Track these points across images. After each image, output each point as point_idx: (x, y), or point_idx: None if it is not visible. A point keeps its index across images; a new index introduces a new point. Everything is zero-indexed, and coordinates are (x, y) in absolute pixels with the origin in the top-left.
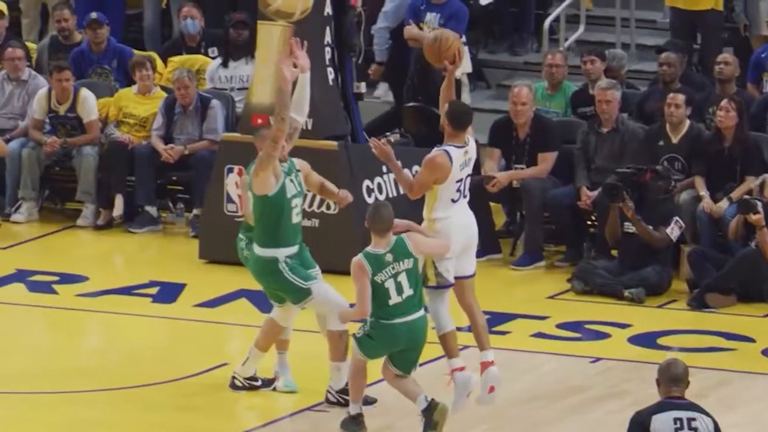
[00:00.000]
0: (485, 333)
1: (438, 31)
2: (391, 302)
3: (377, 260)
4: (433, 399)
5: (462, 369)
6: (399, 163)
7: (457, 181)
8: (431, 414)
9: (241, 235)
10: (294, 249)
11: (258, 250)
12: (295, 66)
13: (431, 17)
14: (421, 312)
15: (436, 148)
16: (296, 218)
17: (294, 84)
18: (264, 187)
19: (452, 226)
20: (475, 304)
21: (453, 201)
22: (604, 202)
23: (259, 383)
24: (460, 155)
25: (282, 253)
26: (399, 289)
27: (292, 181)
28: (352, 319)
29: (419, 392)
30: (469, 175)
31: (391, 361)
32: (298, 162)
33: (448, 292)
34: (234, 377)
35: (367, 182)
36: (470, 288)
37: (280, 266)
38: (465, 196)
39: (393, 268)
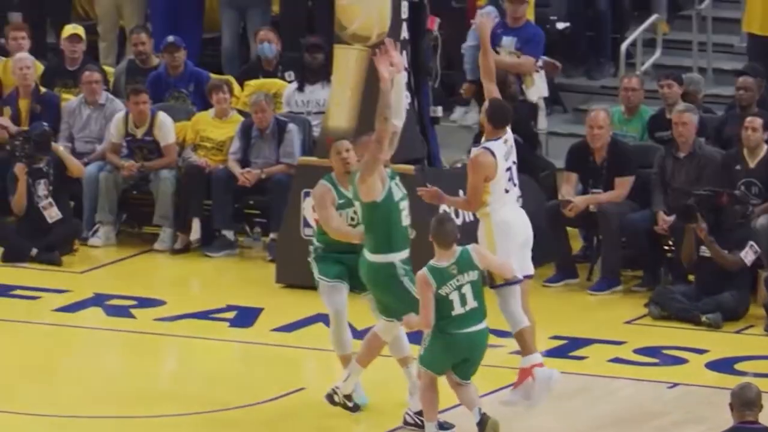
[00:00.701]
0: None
1: None
2: (454, 313)
3: (441, 273)
4: (485, 413)
5: (541, 365)
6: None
7: (506, 171)
8: (483, 429)
9: (314, 238)
10: (406, 253)
11: (371, 256)
12: (390, 65)
13: (508, 41)
14: (483, 325)
15: (474, 148)
16: (405, 221)
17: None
18: (371, 192)
19: (511, 215)
20: (527, 308)
21: (506, 191)
22: (681, 226)
23: (351, 404)
24: (500, 146)
25: (396, 257)
26: (463, 301)
27: (397, 184)
28: (416, 328)
29: (476, 404)
30: (514, 162)
31: (452, 368)
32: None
33: (518, 288)
34: (334, 391)
35: (443, 206)
36: (526, 290)
37: (398, 271)
38: (515, 185)
39: (457, 281)
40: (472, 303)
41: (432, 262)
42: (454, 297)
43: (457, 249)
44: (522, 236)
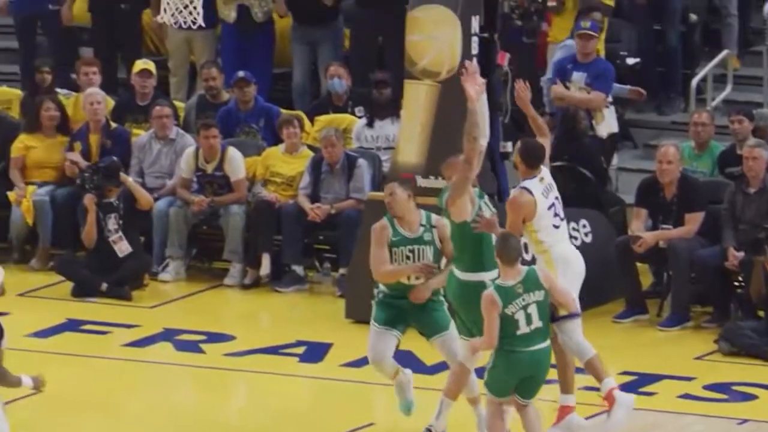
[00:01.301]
0: (573, 377)
1: None
2: (518, 333)
3: (507, 292)
4: None
5: (617, 388)
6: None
7: (549, 208)
8: None
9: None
10: (497, 272)
11: (462, 275)
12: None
13: (578, 76)
14: (546, 343)
15: (513, 189)
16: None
17: None
18: (462, 213)
19: (569, 251)
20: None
21: (555, 227)
22: (751, 261)
23: None
24: (536, 184)
25: (487, 276)
26: (528, 320)
27: (486, 203)
28: (480, 349)
29: None
30: (557, 198)
31: (514, 389)
32: (435, 218)
33: (579, 321)
34: (429, 430)
35: None
36: None
37: None
38: (563, 219)
39: (523, 300)
40: (537, 322)
41: (498, 281)
42: (520, 316)
43: (523, 268)
44: (579, 272)
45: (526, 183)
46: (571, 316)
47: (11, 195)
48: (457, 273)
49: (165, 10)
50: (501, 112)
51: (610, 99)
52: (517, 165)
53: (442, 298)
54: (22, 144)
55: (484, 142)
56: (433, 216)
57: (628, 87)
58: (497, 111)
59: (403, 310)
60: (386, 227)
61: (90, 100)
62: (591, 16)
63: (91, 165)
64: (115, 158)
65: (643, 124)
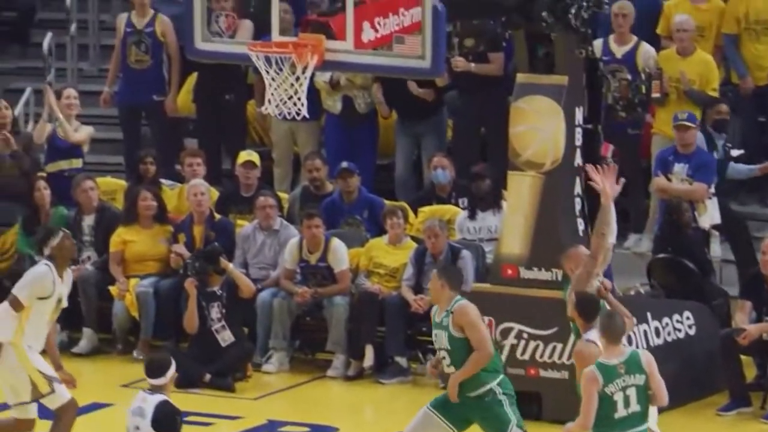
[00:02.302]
0: None
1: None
2: (616, 416)
3: (609, 371)
4: None
5: None
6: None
7: None
8: None
9: None
10: None
11: None
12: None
13: (679, 168)
14: (644, 426)
15: (578, 342)
16: None
17: None
18: None
19: None
20: None
21: None
22: None
23: None
24: (597, 334)
25: None
26: (626, 403)
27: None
28: (575, 431)
29: None
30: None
31: None
32: (458, 305)
33: None
34: None
35: None
36: None
37: None
38: None
39: (623, 381)
40: (634, 406)
41: (600, 359)
42: (619, 398)
43: (627, 349)
44: None
45: (588, 335)
46: None
47: (113, 290)
48: None
49: (269, 101)
50: None
51: (712, 190)
52: (574, 319)
53: (500, 397)
54: (120, 238)
55: (612, 239)
56: (459, 302)
57: (757, 166)
58: None
59: (462, 405)
60: (433, 315)
61: (194, 191)
62: (717, 109)
63: (194, 253)
64: (216, 243)
65: (746, 215)
